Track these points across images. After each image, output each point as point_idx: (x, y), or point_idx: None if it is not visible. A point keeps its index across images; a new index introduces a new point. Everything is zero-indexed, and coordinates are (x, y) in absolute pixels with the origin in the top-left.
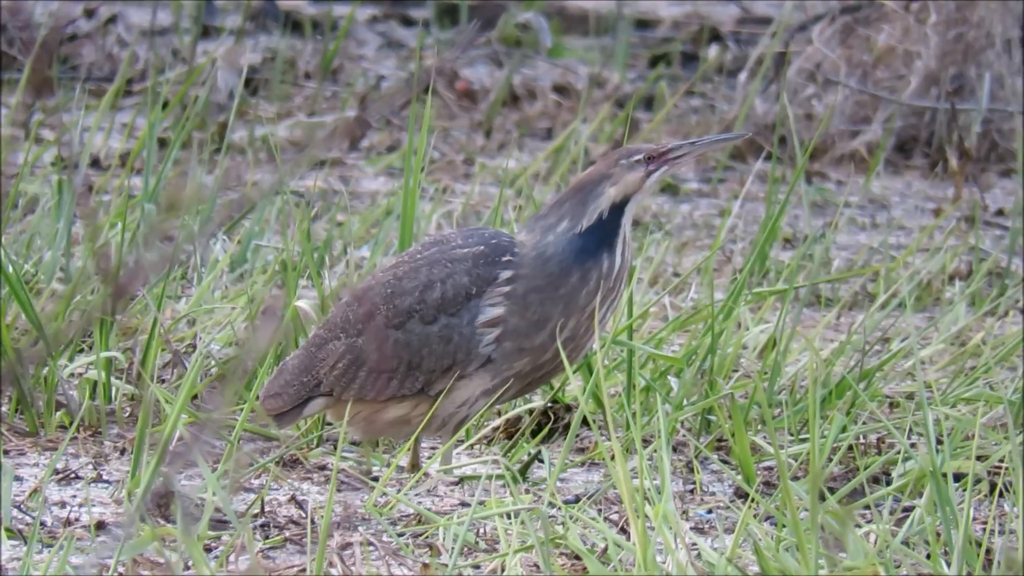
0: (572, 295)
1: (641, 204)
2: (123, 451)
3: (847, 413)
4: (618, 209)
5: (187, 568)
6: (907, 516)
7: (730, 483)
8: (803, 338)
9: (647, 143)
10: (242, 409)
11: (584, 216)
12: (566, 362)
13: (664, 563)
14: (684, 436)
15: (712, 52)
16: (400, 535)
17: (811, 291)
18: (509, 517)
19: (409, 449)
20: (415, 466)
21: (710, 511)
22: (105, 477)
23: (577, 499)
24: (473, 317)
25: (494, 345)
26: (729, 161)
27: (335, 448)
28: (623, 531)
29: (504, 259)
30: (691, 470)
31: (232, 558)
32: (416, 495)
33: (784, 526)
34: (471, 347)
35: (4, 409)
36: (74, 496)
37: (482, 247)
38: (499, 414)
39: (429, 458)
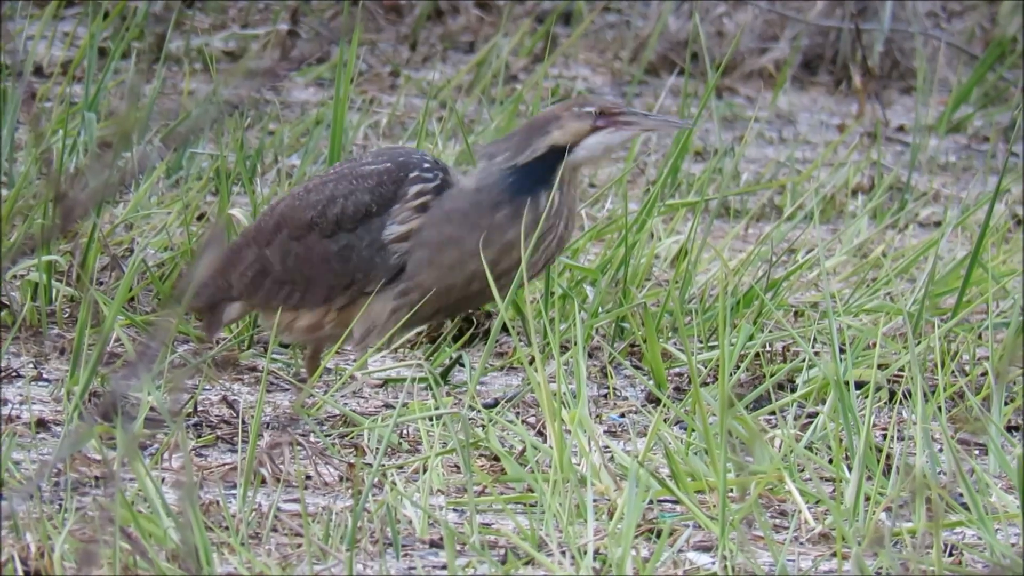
0: (498, 228)
1: (591, 164)
2: (62, 351)
3: (754, 322)
4: (558, 154)
5: (123, 465)
6: (811, 422)
7: (642, 388)
8: (713, 249)
9: (607, 98)
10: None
11: (525, 151)
12: (495, 292)
13: (579, 465)
14: (599, 342)
15: None
16: (327, 435)
17: (721, 203)
18: (431, 420)
19: (322, 355)
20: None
21: (623, 415)
22: (45, 376)
23: (496, 402)
24: (376, 236)
25: (404, 257)
26: (644, 76)
27: (265, 350)
28: (540, 434)
29: (412, 175)
30: (605, 375)
31: (166, 456)
32: (342, 397)
33: (694, 431)
34: (371, 267)
35: None
36: (16, 395)
37: (389, 164)
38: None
39: (355, 360)
